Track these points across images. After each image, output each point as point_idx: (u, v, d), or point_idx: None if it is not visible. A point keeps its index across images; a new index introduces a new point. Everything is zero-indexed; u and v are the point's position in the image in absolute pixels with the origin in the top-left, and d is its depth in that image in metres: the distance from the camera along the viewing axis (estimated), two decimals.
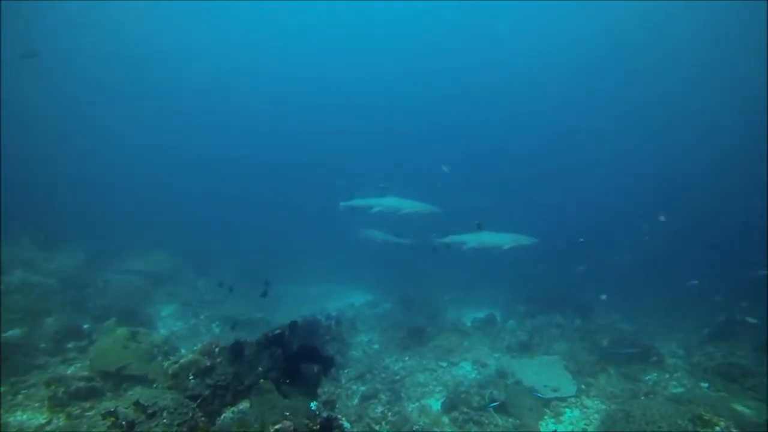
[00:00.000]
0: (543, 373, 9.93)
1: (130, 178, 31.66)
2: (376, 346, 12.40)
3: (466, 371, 10.66)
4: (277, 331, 5.66)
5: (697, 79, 30.34)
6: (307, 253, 21.72)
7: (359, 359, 11.23)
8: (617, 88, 33.45)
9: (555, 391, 9.09)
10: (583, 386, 9.45)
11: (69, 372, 7.88)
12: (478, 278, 18.40)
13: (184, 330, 12.72)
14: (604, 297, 14.20)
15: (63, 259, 14.97)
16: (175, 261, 16.97)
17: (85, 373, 7.32)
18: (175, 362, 5.99)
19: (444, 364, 10.99)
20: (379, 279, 18.82)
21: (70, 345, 9.50)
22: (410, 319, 13.62)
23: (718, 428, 6.48)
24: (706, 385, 9.37)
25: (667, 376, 9.98)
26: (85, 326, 10.33)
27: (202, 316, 13.48)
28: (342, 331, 11.87)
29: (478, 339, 12.66)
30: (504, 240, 10.51)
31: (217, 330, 12.68)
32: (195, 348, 6.34)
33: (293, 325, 5.94)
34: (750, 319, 12.15)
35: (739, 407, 7.76)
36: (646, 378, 9.86)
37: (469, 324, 13.86)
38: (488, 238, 10.66)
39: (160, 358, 7.93)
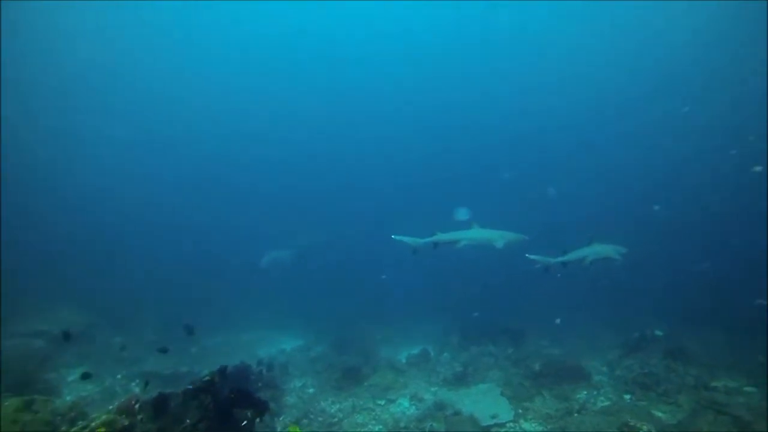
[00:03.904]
0: (480, 401, 10.06)
1: (30, 218, 27.31)
2: (311, 390, 11.89)
3: (404, 407, 10.51)
4: (206, 378, 5.27)
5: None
6: (239, 300, 20.63)
7: (294, 405, 10.68)
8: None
9: (494, 417, 9.20)
10: (520, 410, 9.65)
11: None
12: (409, 313, 18.51)
13: (96, 393, 11.33)
14: (558, 321, 14.65)
15: None
16: (87, 317, 15.26)
17: None
18: (84, 427, 5.32)
19: (381, 402, 10.77)
20: (310, 323, 18.34)
21: None
22: (344, 360, 13.35)
23: None
24: (629, 396, 10.01)
25: (595, 392, 10.51)
26: None
27: (119, 376, 12.18)
28: (274, 376, 11.30)
29: (414, 374, 12.63)
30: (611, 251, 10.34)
31: (137, 389, 11.48)
32: (111, 408, 5.70)
33: (223, 371, 5.57)
34: (657, 332, 13.40)
35: (656, 412, 8.36)
36: (577, 396, 10.31)
37: (404, 360, 13.79)
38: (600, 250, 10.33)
39: (64, 428, 6.92)
